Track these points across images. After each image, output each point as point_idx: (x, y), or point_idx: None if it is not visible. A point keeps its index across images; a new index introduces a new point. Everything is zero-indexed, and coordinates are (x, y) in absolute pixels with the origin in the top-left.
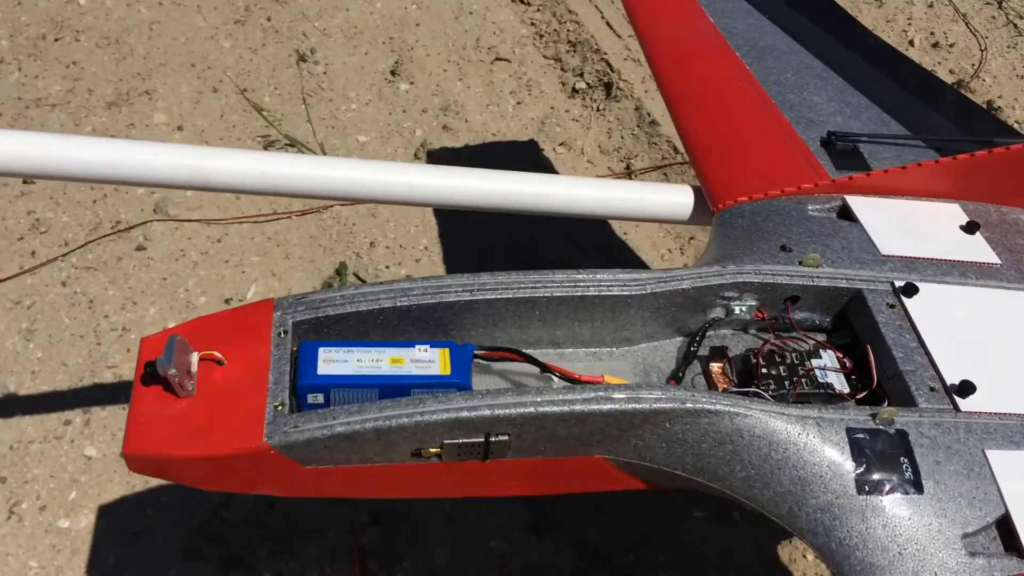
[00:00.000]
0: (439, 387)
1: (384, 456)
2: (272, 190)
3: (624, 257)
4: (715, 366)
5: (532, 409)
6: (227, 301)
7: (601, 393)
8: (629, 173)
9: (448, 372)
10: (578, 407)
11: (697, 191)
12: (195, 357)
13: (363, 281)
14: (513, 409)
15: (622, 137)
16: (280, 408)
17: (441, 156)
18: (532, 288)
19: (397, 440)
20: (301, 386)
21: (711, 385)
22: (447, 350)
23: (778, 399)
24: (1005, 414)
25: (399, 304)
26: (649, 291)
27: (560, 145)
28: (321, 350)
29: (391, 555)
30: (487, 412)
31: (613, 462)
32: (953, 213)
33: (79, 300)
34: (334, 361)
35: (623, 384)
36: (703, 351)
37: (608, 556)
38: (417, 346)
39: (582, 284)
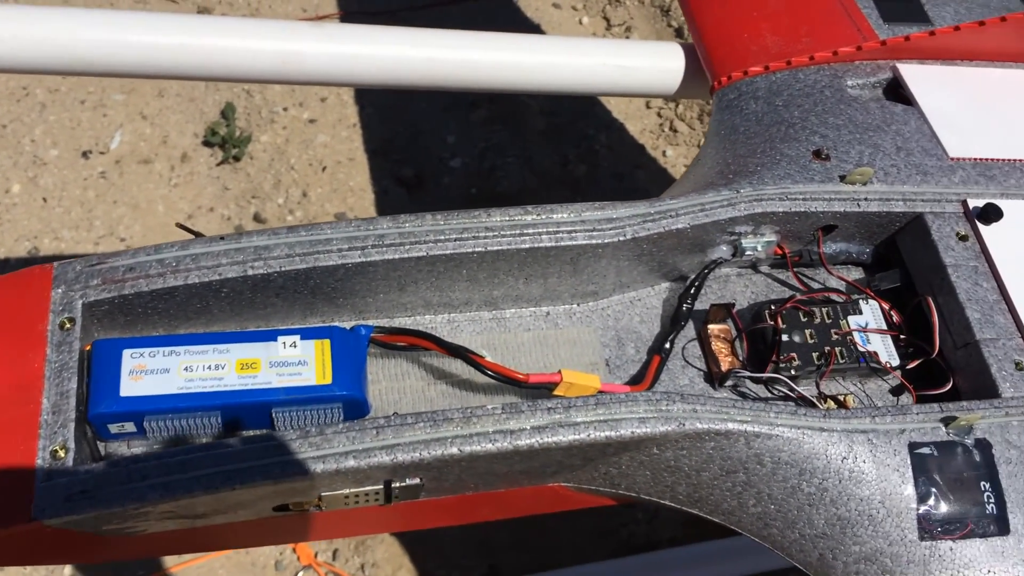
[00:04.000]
0: (317, 404)
1: (231, 516)
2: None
3: None
4: (715, 329)
5: (455, 450)
6: (85, 155)
7: (559, 417)
8: None
9: (329, 380)
10: (524, 442)
11: (690, 52)
12: None
13: (193, 233)
14: (427, 451)
15: None
16: (60, 454)
17: None
18: (457, 241)
19: (247, 501)
20: (96, 415)
21: (708, 357)
22: (326, 342)
23: (803, 378)
24: None
25: (251, 273)
26: (630, 236)
27: None
28: (127, 354)
29: None
30: (386, 459)
31: (574, 489)
32: None
33: None
34: (148, 372)
35: (590, 395)
36: (699, 304)
37: None
38: (281, 338)
39: (532, 231)
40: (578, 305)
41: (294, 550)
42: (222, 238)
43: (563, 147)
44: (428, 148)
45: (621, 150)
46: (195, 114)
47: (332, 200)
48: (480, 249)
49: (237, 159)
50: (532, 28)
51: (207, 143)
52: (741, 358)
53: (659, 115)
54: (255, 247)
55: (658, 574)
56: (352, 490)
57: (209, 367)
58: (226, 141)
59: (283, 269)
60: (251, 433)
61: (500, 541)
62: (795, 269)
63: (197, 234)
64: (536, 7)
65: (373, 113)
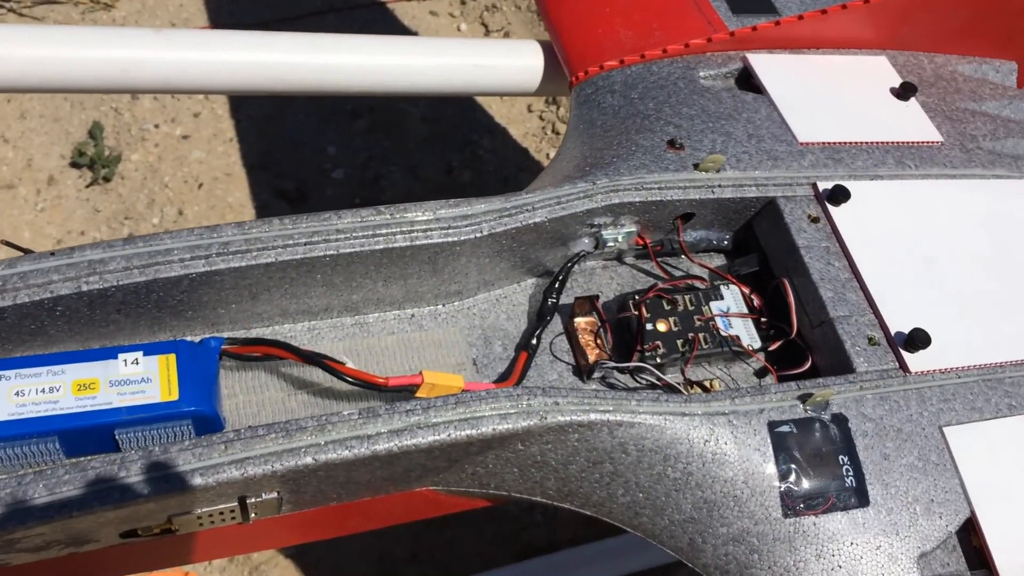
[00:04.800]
0: (164, 423)
1: (73, 547)
2: None
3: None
4: (581, 322)
5: (310, 460)
6: None
7: (418, 419)
8: None
9: (175, 397)
10: (382, 446)
11: (548, 49)
12: None
13: (21, 249)
14: (279, 463)
15: None
16: None
17: None
18: (307, 245)
19: (90, 529)
20: None
21: (576, 350)
22: (171, 357)
23: (669, 366)
24: (965, 368)
25: (86, 288)
26: (486, 232)
27: None
28: None
29: None
30: (236, 474)
31: (444, 492)
32: (881, 71)
33: None
34: None
35: (451, 395)
36: (564, 299)
37: None
38: (121, 356)
39: (384, 231)
40: (443, 305)
41: None
42: (52, 253)
43: (447, 154)
44: (309, 160)
45: (505, 154)
46: (60, 135)
47: (210, 217)
48: (332, 252)
49: (107, 180)
50: (409, 35)
51: (75, 164)
52: (608, 350)
53: (541, 118)
54: (89, 261)
55: (562, 574)
56: (205, 509)
57: (42, 390)
58: (95, 161)
59: (121, 283)
60: (88, 458)
61: (399, 554)
62: (658, 259)
63: (26, 250)
64: (413, 15)
65: (250, 126)
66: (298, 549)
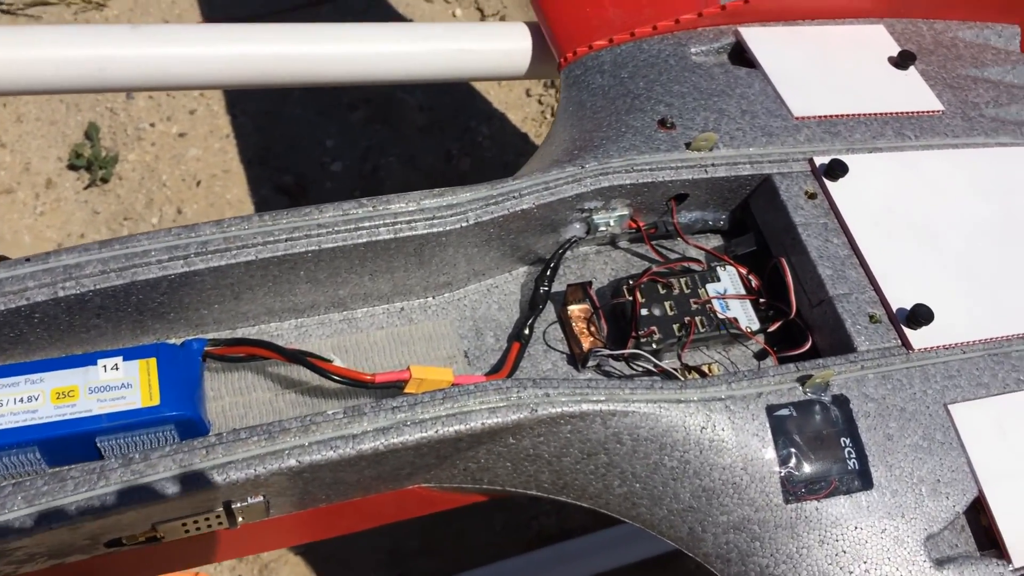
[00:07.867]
0: (146, 428)
1: (55, 559)
2: None
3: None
4: (575, 310)
5: (294, 462)
6: None
7: (405, 416)
8: None
9: (157, 402)
10: (368, 445)
11: (536, 31)
12: None
13: (1, 257)
14: (262, 467)
15: None
16: None
17: None
18: (288, 242)
19: (72, 540)
20: None
21: (571, 339)
22: (152, 361)
23: (666, 351)
24: (970, 343)
25: (62, 294)
26: (473, 221)
27: None
28: None
29: None
30: (218, 479)
31: (437, 488)
32: (879, 40)
33: None
34: None
35: (439, 390)
36: (556, 286)
37: None
38: (100, 361)
39: (368, 224)
40: (433, 298)
41: None
42: (27, 259)
43: (446, 142)
44: (307, 154)
45: (504, 140)
46: (57, 137)
47: (209, 215)
48: (314, 248)
49: (105, 181)
50: (399, 22)
51: (72, 167)
52: (602, 337)
53: (540, 102)
54: (64, 266)
55: (573, 563)
56: (190, 516)
57: (20, 400)
58: (92, 163)
59: (98, 287)
60: (68, 467)
61: (410, 548)
62: (652, 242)
63: (0, 257)
64: (407, 2)
65: (247, 122)
66: (307, 546)
